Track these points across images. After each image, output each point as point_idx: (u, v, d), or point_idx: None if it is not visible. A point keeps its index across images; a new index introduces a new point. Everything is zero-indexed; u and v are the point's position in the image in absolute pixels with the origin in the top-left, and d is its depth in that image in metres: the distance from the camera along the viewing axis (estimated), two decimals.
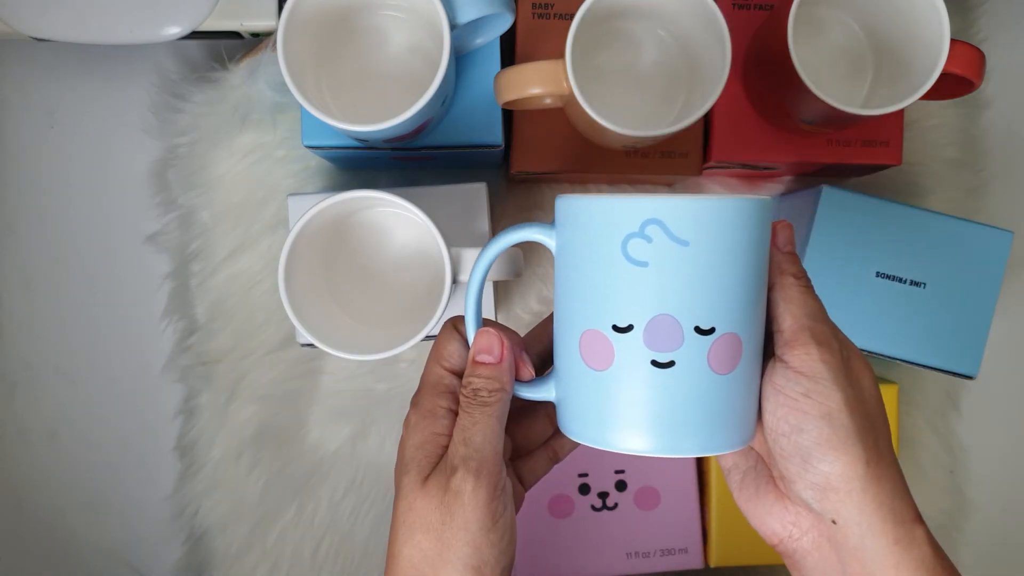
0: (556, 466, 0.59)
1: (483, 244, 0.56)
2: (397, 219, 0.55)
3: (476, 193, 0.56)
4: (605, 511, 0.60)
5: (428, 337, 0.50)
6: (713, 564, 0.60)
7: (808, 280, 0.39)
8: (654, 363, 0.36)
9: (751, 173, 0.64)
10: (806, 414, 0.37)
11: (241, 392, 0.65)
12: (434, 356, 0.41)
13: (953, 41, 0.50)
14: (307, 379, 0.65)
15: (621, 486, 0.60)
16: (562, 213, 0.39)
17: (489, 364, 0.40)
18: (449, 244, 0.49)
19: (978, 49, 0.51)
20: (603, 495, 0.59)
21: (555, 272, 0.40)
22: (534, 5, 0.57)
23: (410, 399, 0.65)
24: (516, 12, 0.54)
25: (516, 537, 0.40)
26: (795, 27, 0.50)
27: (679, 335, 0.36)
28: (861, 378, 0.38)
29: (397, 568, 0.39)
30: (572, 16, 0.49)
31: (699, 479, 0.61)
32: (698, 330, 0.36)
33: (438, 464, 0.39)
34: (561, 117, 0.57)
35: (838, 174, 0.64)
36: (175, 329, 0.66)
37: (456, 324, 0.42)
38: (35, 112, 0.67)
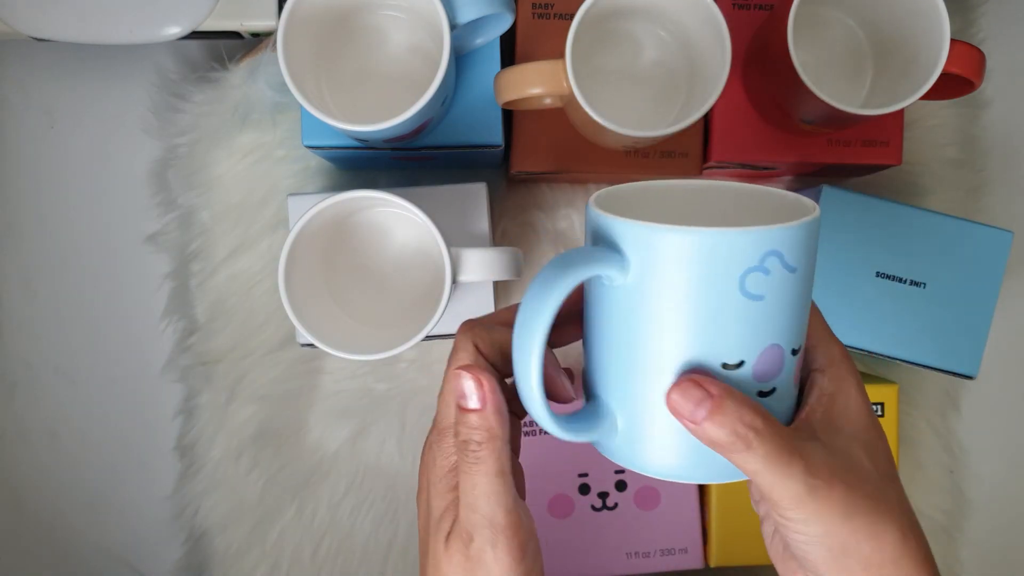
0: (556, 466, 0.59)
1: (483, 244, 0.56)
2: (397, 219, 0.55)
3: (476, 193, 0.56)
4: (605, 511, 0.59)
5: (428, 337, 0.50)
6: (713, 564, 0.60)
7: (743, 438, 0.33)
8: (760, 393, 0.35)
9: (751, 173, 0.64)
10: (788, 533, 0.35)
11: (241, 392, 0.65)
12: (449, 392, 0.37)
13: (953, 41, 0.50)
14: (307, 379, 0.65)
15: (621, 486, 0.59)
16: (645, 245, 0.34)
17: (472, 410, 0.36)
18: (449, 244, 0.49)
19: (978, 49, 0.51)
20: (603, 495, 0.59)
21: (618, 305, 0.35)
22: (534, 5, 0.57)
23: (409, 399, 0.66)
24: (516, 12, 0.54)
25: None
26: (795, 27, 0.50)
27: (781, 362, 0.35)
28: (850, 484, 0.34)
29: None
30: (572, 16, 0.49)
31: None
32: (793, 352, 0.35)
33: (454, 526, 0.37)
34: (561, 117, 0.57)
35: (838, 174, 0.64)
36: (175, 329, 0.66)
37: (476, 342, 0.37)
38: (35, 112, 0.67)
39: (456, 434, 0.36)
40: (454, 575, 0.36)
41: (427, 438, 0.39)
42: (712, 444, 0.34)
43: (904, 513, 0.36)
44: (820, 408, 0.36)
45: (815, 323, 0.38)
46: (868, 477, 0.35)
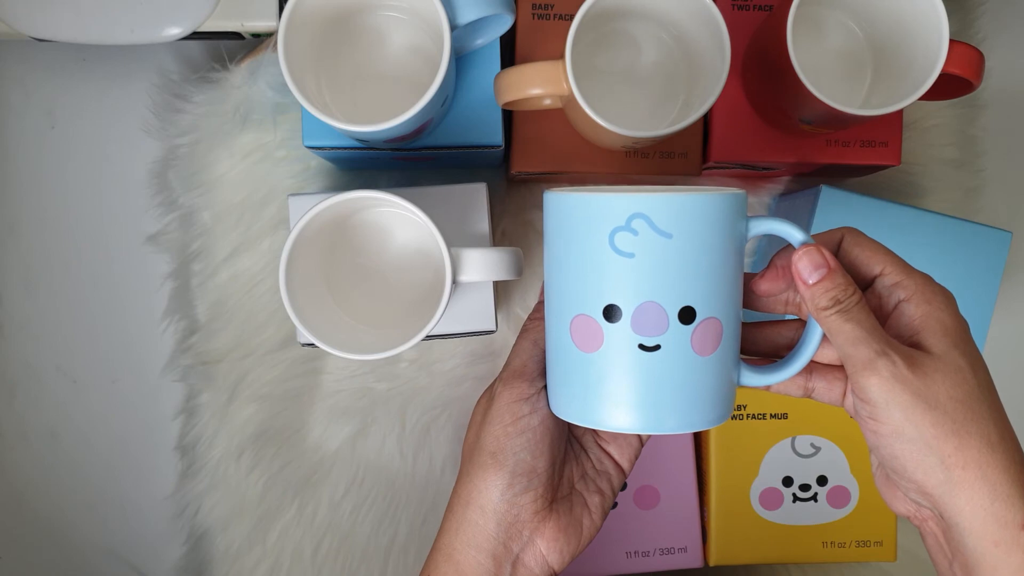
0: None
1: (483, 244, 0.56)
2: (397, 219, 0.55)
3: (476, 193, 0.56)
4: None
5: (428, 337, 0.50)
6: (712, 563, 0.60)
7: (841, 303, 0.39)
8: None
9: (750, 173, 0.64)
10: (876, 434, 0.38)
11: (242, 392, 0.65)
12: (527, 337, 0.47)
13: (952, 42, 0.50)
14: (307, 379, 0.65)
15: (621, 485, 0.60)
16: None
17: (539, 302, 0.47)
18: (449, 244, 0.49)
19: (977, 50, 0.51)
20: None
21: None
22: (534, 6, 0.57)
23: (409, 399, 0.66)
24: (516, 13, 0.54)
25: (549, 448, 0.44)
26: (794, 28, 0.50)
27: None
28: (935, 380, 0.38)
29: (461, 456, 0.48)
30: (572, 17, 0.49)
31: (699, 478, 0.61)
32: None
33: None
34: (561, 117, 0.57)
35: (837, 174, 0.65)
36: (176, 329, 0.67)
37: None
38: (36, 112, 0.67)
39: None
40: (478, 412, 0.46)
41: (491, 386, 0.46)
42: (815, 307, 0.39)
43: (997, 423, 0.38)
44: (910, 331, 0.40)
45: (890, 264, 0.40)
46: (961, 380, 0.38)
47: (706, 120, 0.59)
